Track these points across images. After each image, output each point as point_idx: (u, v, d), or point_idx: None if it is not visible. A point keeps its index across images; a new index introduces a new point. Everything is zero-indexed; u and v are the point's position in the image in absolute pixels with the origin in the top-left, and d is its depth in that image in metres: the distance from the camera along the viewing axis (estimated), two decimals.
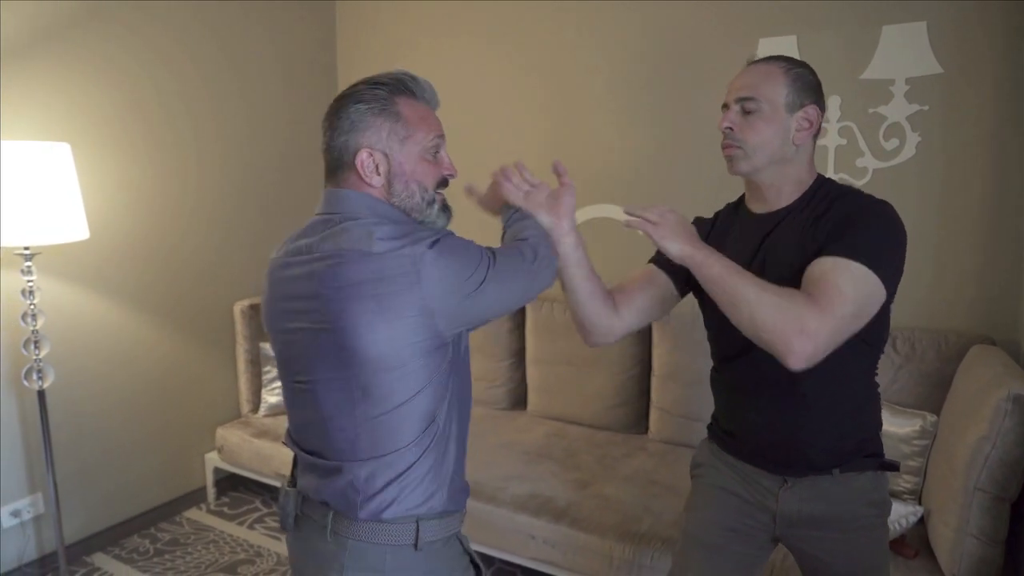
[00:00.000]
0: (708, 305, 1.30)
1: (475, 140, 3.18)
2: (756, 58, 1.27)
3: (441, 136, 1.12)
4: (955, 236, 2.27)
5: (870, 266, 1.06)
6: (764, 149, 1.21)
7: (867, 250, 1.08)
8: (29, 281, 2.09)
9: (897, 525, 1.86)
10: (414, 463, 1.02)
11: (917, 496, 2.03)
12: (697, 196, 2.33)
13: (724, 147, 1.26)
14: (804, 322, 1.02)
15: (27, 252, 2.08)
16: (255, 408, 3.07)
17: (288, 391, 1.11)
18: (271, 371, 3.00)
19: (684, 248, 1.16)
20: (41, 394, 2.17)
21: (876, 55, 2.29)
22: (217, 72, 2.92)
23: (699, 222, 1.44)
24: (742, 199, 1.38)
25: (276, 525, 2.80)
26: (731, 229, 1.37)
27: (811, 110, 1.21)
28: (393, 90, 1.08)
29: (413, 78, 1.11)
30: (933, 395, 2.13)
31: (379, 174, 1.05)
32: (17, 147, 1.98)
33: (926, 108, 2.24)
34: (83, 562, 2.55)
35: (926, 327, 2.28)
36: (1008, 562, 1.68)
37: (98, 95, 2.48)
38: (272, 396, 2.99)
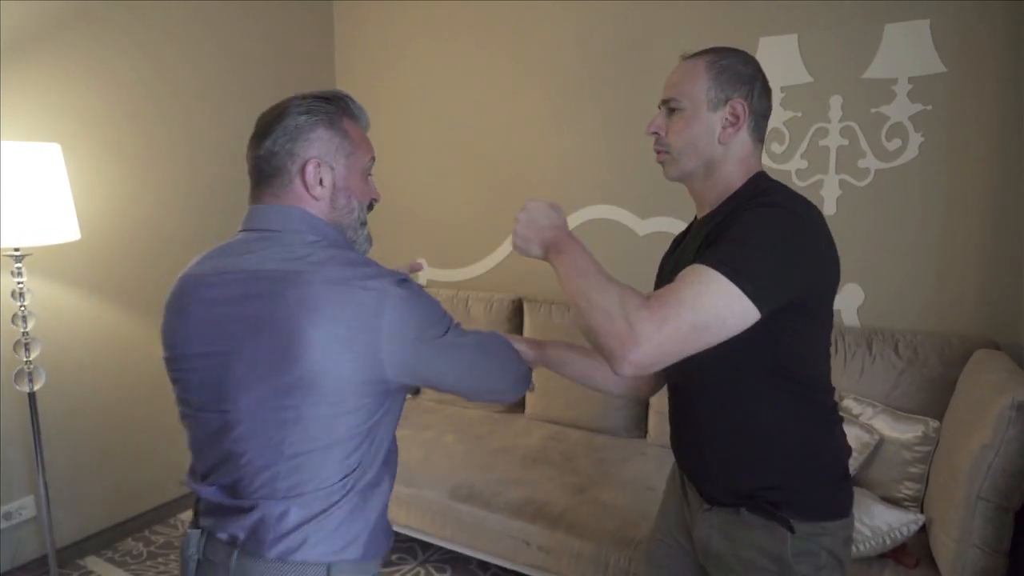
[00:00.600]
0: None
1: (472, 139, 3.15)
2: (688, 54, 1.18)
3: (373, 159, 1.10)
4: (958, 238, 2.23)
5: (731, 276, 0.93)
6: (689, 151, 1.13)
7: (732, 258, 0.94)
8: (19, 283, 2.07)
9: (898, 533, 1.83)
10: (333, 506, 0.96)
11: (919, 504, 1.99)
12: None
13: (656, 152, 1.19)
14: (632, 329, 0.91)
15: (17, 253, 2.05)
16: None
17: (198, 423, 1.02)
18: None
19: (542, 251, 1.09)
20: (32, 397, 2.15)
21: (878, 54, 2.25)
22: (211, 72, 2.89)
23: (678, 236, 1.38)
24: None
25: None
26: (683, 242, 1.29)
27: (737, 104, 1.10)
28: (339, 107, 1.05)
29: (353, 100, 1.09)
30: (935, 400, 2.09)
31: (323, 186, 1.01)
32: (7, 148, 1.96)
33: (929, 108, 2.20)
34: (76, 565, 2.53)
35: (929, 331, 2.24)
36: (1011, 573, 1.64)
37: (89, 95, 2.46)
38: None
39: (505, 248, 3.11)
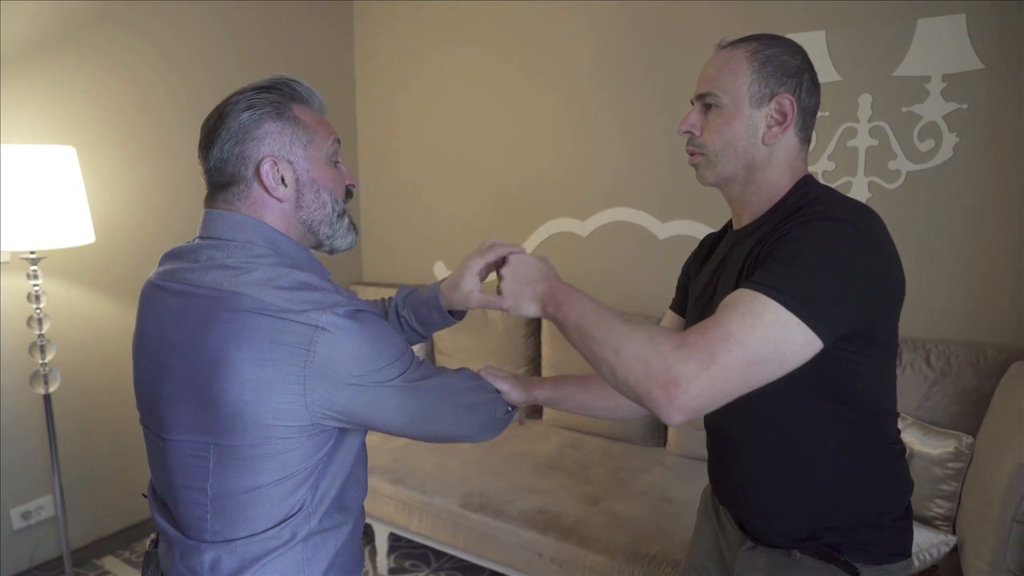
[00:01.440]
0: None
1: (491, 140, 3.11)
2: (726, 42, 1.05)
3: (339, 140, 1.00)
4: (995, 243, 2.12)
5: (787, 303, 0.82)
6: (728, 154, 1.01)
7: (787, 281, 0.83)
8: (35, 285, 2.08)
9: (927, 555, 1.74)
10: (270, 554, 0.88)
11: (950, 523, 1.89)
12: (721, 200, 2.22)
13: (688, 153, 1.07)
14: (671, 372, 0.81)
15: (33, 256, 2.07)
16: None
17: (147, 441, 0.97)
18: None
19: (540, 308, 0.99)
20: (47, 398, 2.16)
21: (911, 51, 2.15)
22: (228, 73, 2.89)
23: (704, 239, 1.27)
24: None
25: None
26: (717, 247, 1.18)
27: (784, 100, 0.98)
28: (284, 94, 0.96)
29: (298, 82, 0.98)
30: (969, 414, 1.99)
31: (285, 185, 0.92)
32: (22, 151, 1.97)
33: (964, 107, 2.10)
34: (93, 565, 2.55)
35: (963, 340, 2.14)
36: None
37: (103, 98, 2.47)
38: None
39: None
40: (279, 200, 0.92)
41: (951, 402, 2.04)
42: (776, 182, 1.02)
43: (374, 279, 3.59)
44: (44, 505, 2.43)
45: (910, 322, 2.23)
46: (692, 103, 1.06)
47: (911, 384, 2.10)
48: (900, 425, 2.01)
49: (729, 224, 1.18)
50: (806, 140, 1.03)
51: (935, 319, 2.22)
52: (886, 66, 2.19)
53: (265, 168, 0.91)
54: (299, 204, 0.94)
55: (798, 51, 1.01)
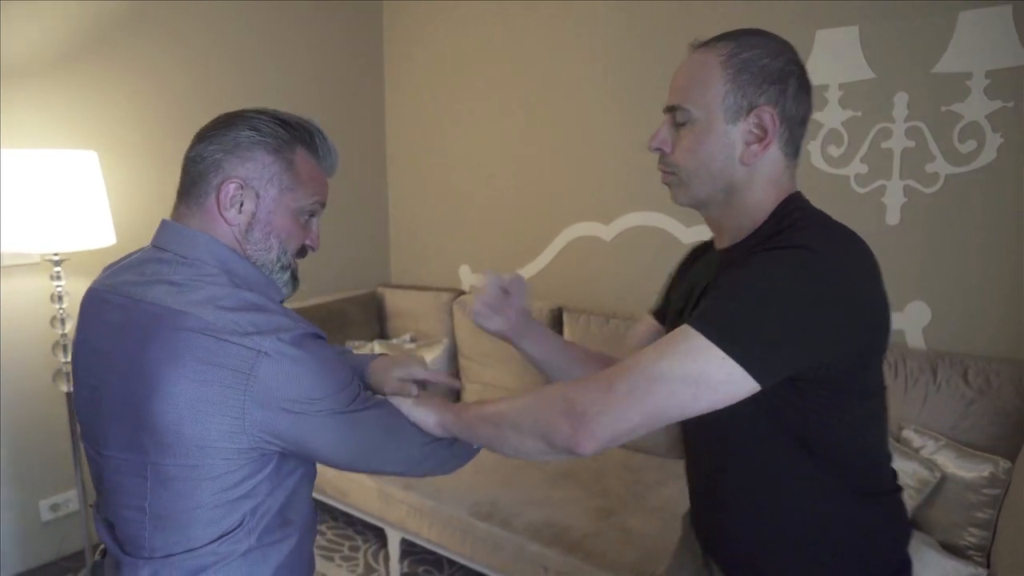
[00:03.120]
0: None
1: (518, 142, 3.07)
2: (699, 42, 0.93)
3: (322, 204, 0.97)
4: None
5: (709, 334, 0.75)
6: (702, 175, 0.90)
7: (716, 313, 0.77)
8: (58, 286, 2.14)
9: None
10: (208, 568, 0.86)
11: (984, 553, 1.76)
12: None
13: (660, 171, 0.96)
14: (569, 400, 0.80)
15: (56, 258, 2.13)
16: None
17: (88, 457, 0.96)
18: None
19: (439, 420, 0.98)
20: (70, 396, 2.22)
21: (951, 45, 2.01)
22: (253, 74, 2.93)
23: (694, 249, 1.17)
24: None
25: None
26: (700, 260, 1.08)
27: (764, 113, 0.86)
28: (296, 136, 0.94)
29: (323, 135, 0.97)
30: (1008, 437, 1.85)
31: (240, 212, 0.90)
32: (45, 155, 2.02)
33: (1010, 105, 1.95)
34: None
35: (1004, 357, 1.98)
36: None
37: (124, 103, 2.53)
38: None
39: (546, 256, 3.01)
40: (227, 223, 0.90)
41: (989, 423, 1.90)
42: (759, 204, 0.90)
43: (401, 282, 3.60)
44: (71, 498, 2.50)
45: (947, 336, 2.10)
46: (664, 113, 0.94)
47: (946, 403, 1.96)
48: (934, 446, 1.89)
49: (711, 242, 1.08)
50: (793, 153, 0.91)
51: (974, 333, 2.07)
52: (924, 62, 2.06)
53: (230, 186, 0.89)
54: (246, 237, 0.92)
55: (782, 50, 0.88)
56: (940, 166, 2.07)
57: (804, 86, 0.89)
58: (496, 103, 3.12)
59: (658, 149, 0.94)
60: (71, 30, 2.37)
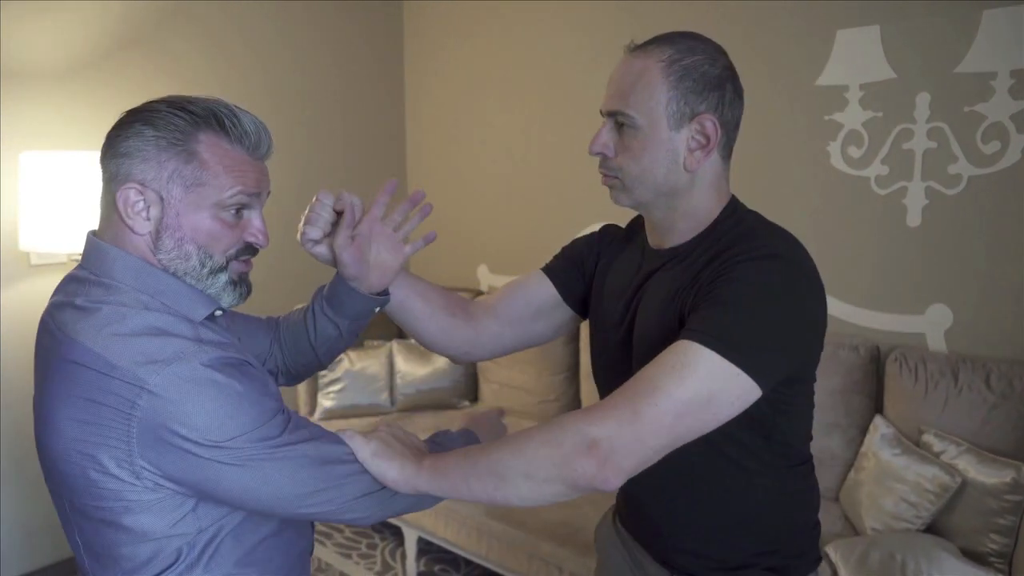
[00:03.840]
0: (593, 350, 1.09)
1: (537, 144, 3.08)
2: (635, 45, 0.93)
3: (251, 193, 0.85)
4: None
5: (724, 352, 0.77)
6: (646, 181, 0.91)
7: (725, 329, 0.78)
8: None
9: None
10: None
11: (1006, 560, 1.73)
12: (768, 203, 2.11)
13: (601, 174, 0.96)
14: (588, 435, 0.75)
15: (79, 259, 2.17)
16: (312, 411, 3.11)
17: None
18: (326, 375, 3.03)
19: (401, 475, 0.85)
20: None
21: (975, 45, 1.98)
22: (275, 74, 2.97)
23: (608, 231, 1.17)
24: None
25: (325, 530, 2.81)
26: (622, 254, 1.08)
27: (707, 120, 0.88)
28: (196, 122, 0.82)
29: (232, 113, 0.84)
30: None
31: (148, 219, 0.81)
32: (69, 157, 2.07)
33: None
34: None
35: None
36: None
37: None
38: (327, 400, 3.02)
39: None
40: (135, 233, 0.82)
41: (1012, 428, 1.87)
42: (702, 206, 0.94)
43: None
44: None
45: (969, 339, 2.08)
46: (602, 116, 0.94)
47: (967, 407, 1.94)
48: (955, 451, 1.87)
49: (640, 228, 1.07)
50: (728, 156, 0.95)
51: (997, 337, 2.04)
52: (946, 62, 2.03)
53: (128, 193, 0.80)
54: (156, 246, 0.82)
55: (719, 56, 0.91)
56: (963, 167, 2.04)
57: (738, 91, 0.92)
58: (515, 102, 3.13)
59: (599, 153, 0.94)
60: (93, 32, 2.42)
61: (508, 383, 2.94)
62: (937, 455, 1.89)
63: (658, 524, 1.03)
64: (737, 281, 0.82)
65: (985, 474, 1.78)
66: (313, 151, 3.13)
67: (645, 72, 0.89)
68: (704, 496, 0.96)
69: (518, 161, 3.15)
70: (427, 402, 2.97)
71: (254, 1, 2.85)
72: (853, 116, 2.20)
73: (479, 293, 3.25)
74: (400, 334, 3.37)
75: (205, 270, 0.84)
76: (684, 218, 0.95)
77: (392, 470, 0.84)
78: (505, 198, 3.22)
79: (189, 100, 0.83)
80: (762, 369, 0.78)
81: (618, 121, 0.92)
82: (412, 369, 2.98)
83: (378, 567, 2.55)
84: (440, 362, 2.99)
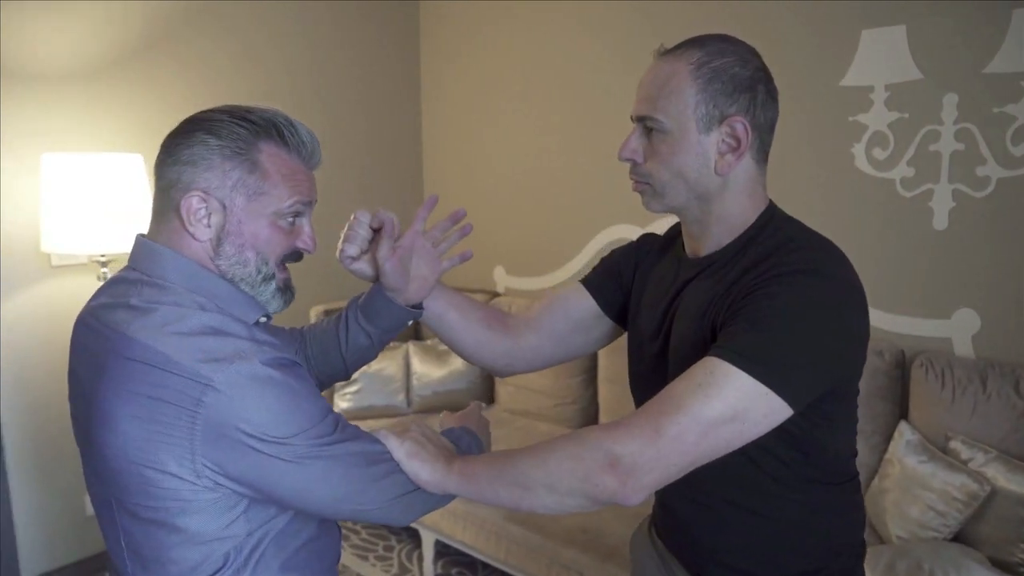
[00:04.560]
0: (630, 361, 1.07)
1: (554, 142, 3.06)
2: (664, 49, 0.91)
3: (307, 203, 0.88)
4: None
5: (753, 371, 0.76)
6: (677, 186, 0.90)
7: (755, 348, 0.77)
8: None
9: None
10: None
11: None
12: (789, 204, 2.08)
13: (632, 180, 0.95)
14: (611, 453, 0.76)
15: (103, 259, 2.18)
16: None
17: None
18: None
19: (439, 475, 0.87)
20: None
21: (1004, 44, 1.95)
22: (293, 75, 2.97)
23: (645, 240, 1.16)
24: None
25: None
26: (660, 263, 1.07)
27: (737, 123, 0.86)
28: (258, 132, 0.84)
29: (291, 123, 0.87)
30: None
31: (209, 226, 0.83)
32: (93, 159, 2.07)
33: None
34: None
35: None
36: None
37: (169, 106, 2.58)
38: (344, 401, 3.02)
39: (582, 258, 3.00)
40: (195, 239, 0.84)
41: None
42: (736, 212, 0.92)
43: None
44: None
45: (997, 344, 2.04)
46: (633, 121, 0.94)
47: (996, 413, 1.90)
48: (983, 459, 1.84)
49: (677, 236, 1.05)
50: (764, 160, 0.92)
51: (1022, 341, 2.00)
52: (975, 63, 1.99)
53: (192, 201, 0.82)
54: (217, 252, 0.84)
55: (750, 58, 0.88)
56: (991, 169, 2.00)
57: (772, 93, 0.90)
58: (532, 104, 3.11)
59: (629, 159, 0.93)
60: (116, 34, 2.43)
61: (525, 385, 2.93)
62: (965, 462, 1.86)
63: (694, 536, 1.01)
64: (770, 297, 0.80)
65: (1016, 482, 1.75)
66: (331, 151, 3.10)
67: (673, 76, 0.88)
68: (742, 510, 0.94)
69: (535, 162, 3.13)
70: (443, 404, 2.96)
71: (276, 1, 2.85)
72: (878, 117, 2.17)
73: (495, 295, 3.24)
74: (416, 336, 3.37)
75: (259, 276, 0.86)
76: (718, 223, 0.92)
77: (425, 471, 0.86)
78: (522, 199, 3.20)
79: (248, 110, 0.85)
80: (792, 387, 0.77)
81: (647, 126, 0.91)
82: (428, 371, 2.97)
83: (395, 569, 2.55)
84: (456, 364, 2.98)
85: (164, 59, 2.55)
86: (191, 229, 0.83)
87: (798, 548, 0.94)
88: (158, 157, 0.85)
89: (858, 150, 2.22)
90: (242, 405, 0.74)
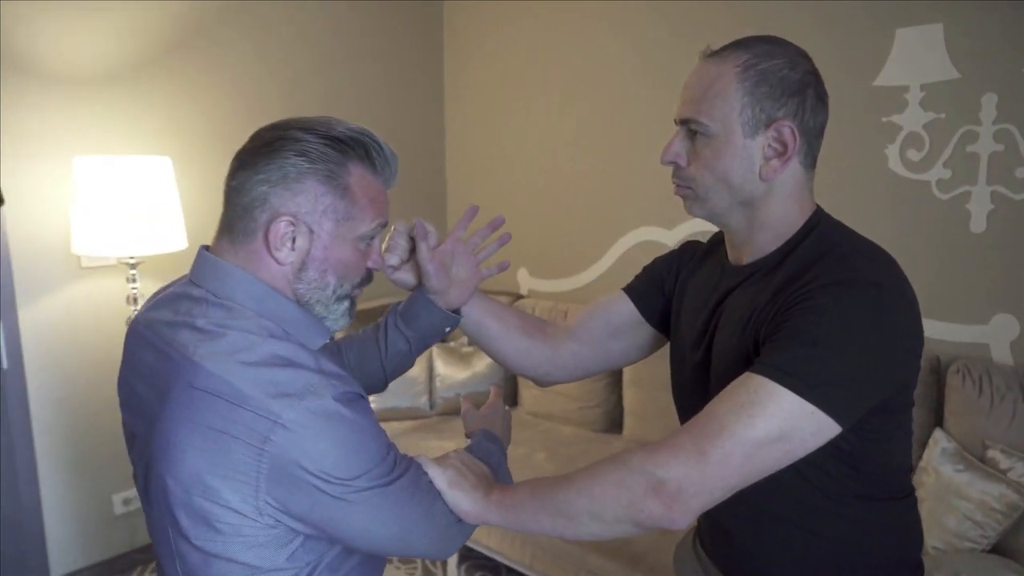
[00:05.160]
0: (672, 369, 1.06)
1: (579, 144, 3.04)
2: (710, 50, 0.89)
3: (384, 224, 0.86)
4: None
5: (799, 390, 0.73)
6: (720, 190, 0.87)
7: (801, 364, 0.74)
8: (133, 288, 2.21)
9: None
10: None
11: None
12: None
13: (674, 184, 0.93)
14: (654, 477, 0.74)
15: (132, 261, 2.19)
16: None
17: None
18: None
19: (479, 506, 0.84)
20: None
21: None
22: (319, 75, 2.98)
23: (688, 247, 1.14)
24: None
25: None
26: (702, 269, 1.05)
27: (784, 127, 0.84)
28: (345, 151, 0.81)
29: (379, 145, 0.84)
30: None
31: (293, 250, 0.80)
32: (121, 161, 2.09)
33: None
34: None
35: None
36: None
37: (196, 109, 2.60)
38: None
39: (606, 261, 2.97)
40: (278, 263, 0.81)
41: None
42: (782, 218, 0.89)
43: None
44: None
45: None
46: (676, 124, 0.91)
47: None
48: (1022, 467, 1.79)
49: (720, 243, 1.03)
50: (811, 165, 0.89)
51: None
52: (1015, 61, 1.94)
53: (280, 225, 0.79)
54: (299, 276, 0.82)
55: (799, 60, 0.85)
56: None
57: (821, 96, 0.87)
58: (555, 105, 3.09)
59: (671, 163, 0.91)
60: (145, 37, 2.45)
61: (549, 388, 2.91)
62: (1004, 472, 1.81)
63: (743, 552, 0.98)
64: (813, 310, 0.77)
65: None
66: None
67: (719, 78, 0.85)
68: (792, 526, 0.91)
69: (558, 162, 3.11)
70: None
71: (301, 1, 2.86)
72: (913, 118, 2.12)
73: (519, 297, 3.23)
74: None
75: (334, 297, 0.84)
76: (762, 230, 0.90)
77: (466, 501, 0.84)
78: (546, 200, 3.18)
79: (331, 126, 0.82)
80: (840, 405, 0.75)
81: (691, 129, 0.88)
82: (452, 372, 2.96)
83: (419, 572, 2.54)
84: (480, 365, 2.97)
85: (192, 62, 2.57)
86: (276, 254, 0.80)
87: (850, 567, 0.91)
88: (237, 170, 0.81)
89: (891, 151, 2.17)
90: (313, 445, 0.72)
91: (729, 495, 0.77)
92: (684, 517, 0.75)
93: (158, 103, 2.49)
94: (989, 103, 2.00)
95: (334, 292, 0.84)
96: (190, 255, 2.43)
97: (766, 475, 0.76)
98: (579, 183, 3.05)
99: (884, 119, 2.17)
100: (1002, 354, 2.05)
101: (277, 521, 0.75)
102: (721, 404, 0.77)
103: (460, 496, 0.84)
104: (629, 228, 2.90)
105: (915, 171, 2.14)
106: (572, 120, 3.03)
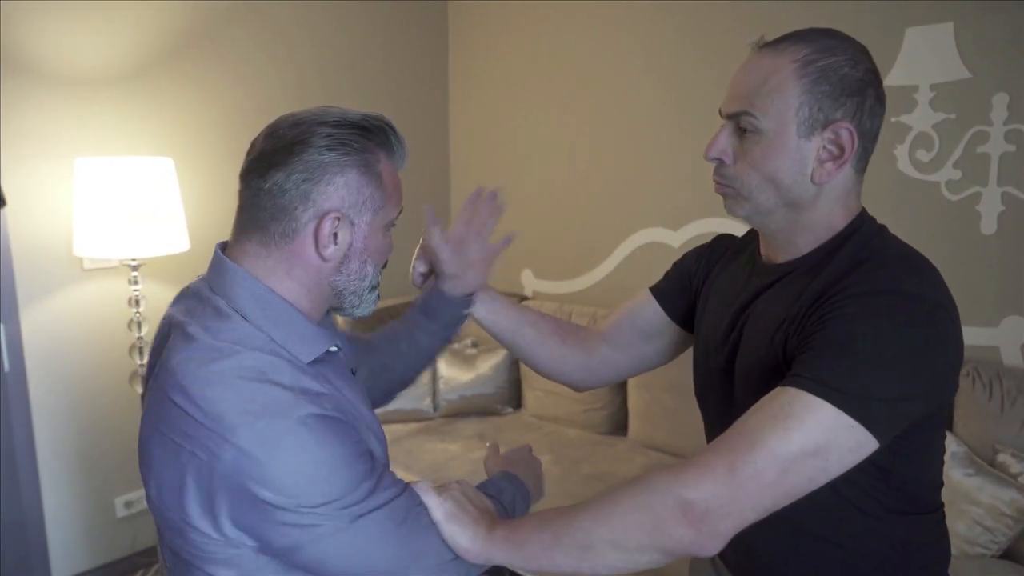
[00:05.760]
0: (694, 369, 1.02)
1: (583, 145, 3.02)
2: (763, 41, 0.84)
3: (402, 211, 0.86)
4: None
5: (837, 402, 0.69)
6: (767, 191, 0.82)
7: (839, 376, 0.70)
8: (135, 290, 2.20)
9: None
10: None
11: None
12: None
13: (715, 182, 0.88)
14: (681, 498, 0.69)
15: (134, 263, 2.18)
16: None
17: None
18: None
19: (473, 545, 0.78)
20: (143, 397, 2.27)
21: None
22: (323, 74, 2.96)
23: (720, 241, 1.11)
24: None
25: None
26: (732, 265, 1.00)
27: (842, 129, 0.78)
28: (370, 137, 0.79)
29: (395, 130, 0.82)
30: None
31: (336, 244, 0.77)
32: (123, 163, 2.07)
33: None
34: None
35: None
36: None
37: (199, 110, 2.58)
38: None
39: (611, 262, 2.95)
40: (324, 260, 0.78)
41: None
42: (826, 221, 0.84)
43: None
44: (144, 496, 2.57)
45: None
46: (722, 118, 0.86)
47: None
48: None
49: (754, 238, 0.99)
50: (863, 169, 0.85)
51: None
52: None
53: (326, 224, 0.76)
54: (340, 269, 0.80)
55: (861, 58, 0.80)
56: None
57: (881, 98, 0.82)
58: (560, 105, 3.07)
59: (716, 159, 0.86)
60: (147, 37, 2.43)
61: (552, 390, 2.89)
62: (1014, 477, 1.79)
63: (765, 565, 0.95)
64: (852, 319, 0.73)
65: None
66: None
67: (776, 72, 0.80)
68: (820, 540, 0.88)
69: (563, 163, 3.10)
70: (470, 408, 2.93)
71: (306, 1, 2.85)
72: (923, 118, 2.10)
73: (524, 298, 3.21)
74: None
75: (369, 287, 0.84)
76: (803, 232, 0.85)
77: (465, 537, 0.78)
78: (551, 201, 3.16)
79: (353, 114, 0.79)
80: (879, 420, 0.70)
81: (740, 125, 0.83)
82: (455, 374, 2.95)
83: None
84: (483, 368, 2.95)
85: (194, 62, 2.55)
86: (324, 251, 0.77)
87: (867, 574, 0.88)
88: (268, 171, 0.76)
89: (901, 152, 2.15)
90: (265, 470, 0.67)
91: (761, 517, 0.72)
92: (714, 542, 0.70)
93: (160, 104, 2.48)
94: (1000, 103, 1.97)
95: (370, 282, 0.84)
96: (192, 257, 2.44)
97: (799, 496, 0.72)
98: (584, 184, 3.03)
99: (893, 119, 2.15)
100: (1012, 357, 2.02)
101: (241, 543, 0.71)
102: (752, 418, 0.72)
103: (458, 530, 0.78)
104: (635, 229, 2.87)
105: (924, 172, 2.11)
106: (577, 120, 3.01)
